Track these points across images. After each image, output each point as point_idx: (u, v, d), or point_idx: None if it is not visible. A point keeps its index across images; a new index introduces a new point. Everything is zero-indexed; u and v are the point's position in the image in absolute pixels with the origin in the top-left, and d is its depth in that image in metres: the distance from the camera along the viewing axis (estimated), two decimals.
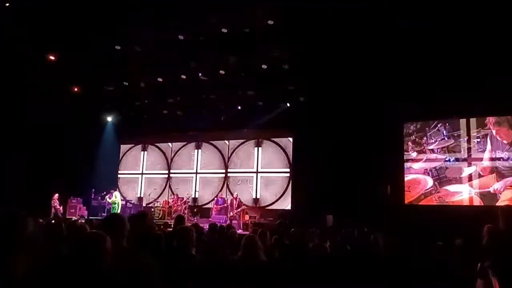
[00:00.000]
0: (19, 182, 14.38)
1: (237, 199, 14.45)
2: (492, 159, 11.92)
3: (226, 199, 15.05)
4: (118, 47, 14.60)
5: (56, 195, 14.74)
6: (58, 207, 14.50)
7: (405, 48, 10.97)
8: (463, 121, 12.50)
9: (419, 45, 11.20)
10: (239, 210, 14.09)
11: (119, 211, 14.84)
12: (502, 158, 11.80)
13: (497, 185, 11.73)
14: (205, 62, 14.55)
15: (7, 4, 13.27)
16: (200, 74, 14.60)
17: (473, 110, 12.11)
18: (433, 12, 10.41)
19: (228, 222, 12.96)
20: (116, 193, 15.64)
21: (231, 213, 14.12)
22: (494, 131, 12.03)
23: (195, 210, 15.71)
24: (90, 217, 14.03)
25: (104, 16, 12.97)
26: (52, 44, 14.52)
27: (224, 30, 13.21)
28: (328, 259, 3.86)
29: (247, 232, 8.85)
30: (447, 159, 12.53)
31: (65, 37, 14.11)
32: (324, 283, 3.71)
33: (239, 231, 10.30)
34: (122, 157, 18.75)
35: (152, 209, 15.00)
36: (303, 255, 4.33)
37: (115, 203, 15.06)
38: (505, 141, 11.89)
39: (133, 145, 18.67)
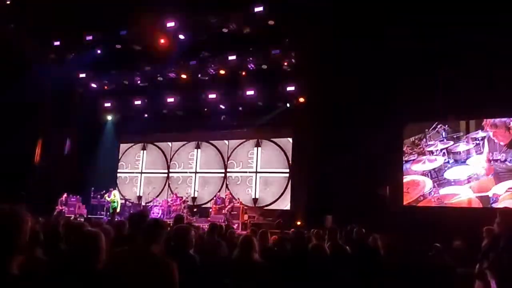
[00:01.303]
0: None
1: (227, 197, 14.51)
2: (490, 161, 11.93)
3: (225, 198, 15.05)
4: (118, 46, 14.65)
5: (65, 195, 14.76)
6: (63, 207, 14.48)
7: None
8: (462, 123, 12.50)
9: (418, 45, 11.22)
10: (229, 206, 14.10)
11: (118, 210, 14.82)
12: (500, 160, 11.80)
13: (496, 189, 11.71)
14: (206, 61, 14.58)
15: (8, 2, 13.29)
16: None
17: (473, 112, 12.10)
18: (433, 12, 10.43)
19: (223, 221, 13.00)
20: (115, 192, 15.57)
21: (223, 211, 14.16)
22: (491, 133, 12.03)
23: (195, 209, 15.71)
24: (89, 216, 14.01)
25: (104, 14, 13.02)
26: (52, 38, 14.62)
27: (225, 30, 13.24)
28: (327, 260, 3.87)
29: (245, 232, 8.84)
30: (446, 160, 12.53)
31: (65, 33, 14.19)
32: (323, 284, 3.71)
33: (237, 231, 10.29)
34: (122, 156, 18.74)
35: (151, 209, 15.00)
36: (302, 255, 4.33)
37: (114, 202, 15.01)
38: (502, 143, 11.89)
39: (132, 144, 18.66)
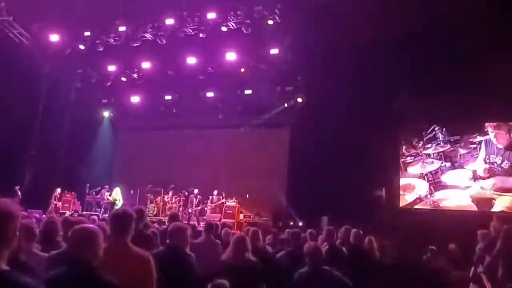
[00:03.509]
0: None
1: (198, 197, 14.52)
2: (486, 163, 11.95)
3: (221, 197, 15.01)
4: (116, 42, 14.57)
5: (58, 190, 14.65)
6: (57, 203, 14.38)
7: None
8: (460, 127, 12.53)
9: (418, 47, 11.24)
10: (198, 208, 14.19)
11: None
12: (496, 162, 11.84)
13: (491, 181, 11.76)
14: (205, 60, 14.55)
15: None
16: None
17: (471, 114, 12.11)
18: (434, 15, 10.44)
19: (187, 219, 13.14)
20: (117, 189, 15.30)
21: (189, 210, 14.21)
22: (493, 134, 12.02)
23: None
24: (83, 212, 13.92)
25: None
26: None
27: (224, 29, 13.21)
28: (325, 261, 3.87)
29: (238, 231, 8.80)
30: (443, 163, 12.55)
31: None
32: (319, 284, 3.71)
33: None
34: (118, 152, 18.61)
35: (147, 206, 14.91)
36: (298, 256, 4.32)
37: (116, 200, 14.80)
38: (500, 145, 11.91)
39: (129, 140, 18.54)
